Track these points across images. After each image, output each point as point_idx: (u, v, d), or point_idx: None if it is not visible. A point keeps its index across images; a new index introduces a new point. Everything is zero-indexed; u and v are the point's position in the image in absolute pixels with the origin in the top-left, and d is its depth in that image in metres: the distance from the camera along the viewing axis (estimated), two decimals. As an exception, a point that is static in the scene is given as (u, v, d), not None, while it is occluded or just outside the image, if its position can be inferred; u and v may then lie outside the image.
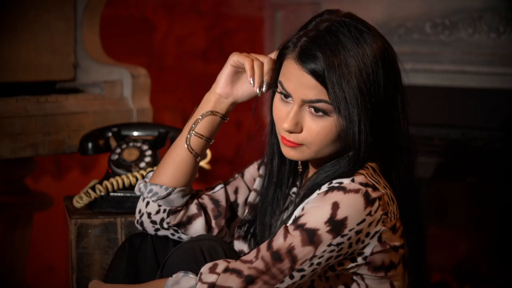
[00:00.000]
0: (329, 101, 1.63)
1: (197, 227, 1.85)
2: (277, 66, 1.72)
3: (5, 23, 2.43)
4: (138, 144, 2.30)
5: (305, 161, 1.82)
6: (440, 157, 2.91)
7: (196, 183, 1.88)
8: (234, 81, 1.80)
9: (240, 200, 1.92)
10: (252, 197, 1.92)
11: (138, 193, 1.86)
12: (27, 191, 2.72)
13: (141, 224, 1.85)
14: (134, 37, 3.60)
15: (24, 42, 2.46)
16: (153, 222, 1.83)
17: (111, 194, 2.21)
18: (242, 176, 1.94)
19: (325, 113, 1.64)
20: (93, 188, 2.22)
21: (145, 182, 1.84)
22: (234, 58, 1.77)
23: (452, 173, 2.91)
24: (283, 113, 1.69)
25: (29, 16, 2.46)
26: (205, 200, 1.89)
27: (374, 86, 1.64)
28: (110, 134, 2.34)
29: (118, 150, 2.29)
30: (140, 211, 1.85)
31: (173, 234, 1.85)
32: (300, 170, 1.85)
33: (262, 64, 1.75)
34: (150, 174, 1.87)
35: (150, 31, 3.63)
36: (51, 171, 3.43)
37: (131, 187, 2.21)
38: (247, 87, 1.80)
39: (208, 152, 2.29)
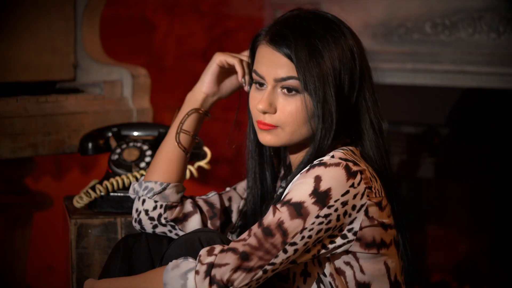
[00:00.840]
0: (298, 76, 1.70)
1: (194, 223, 1.90)
2: (251, 57, 1.81)
3: (5, 23, 2.43)
4: (138, 144, 2.30)
5: (285, 160, 1.89)
6: (440, 157, 2.91)
7: (197, 183, 1.90)
8: (220, 80, 1.90)
9: (234, 207, 1.97)
10: (243, 204, 1.97)
11: (132, 195, 1.91)
12: (27, 191, 2.72)
13: (139, 222, 1.88)
14: (134, 37, 3.59)
15: (24, 42, 2.46)
16: (151, 219, 1.87)
17: (111, 194, 2.21)
18: (235, 189, 2.01)
19: (297, 91, 1.72)
20: (93, 188, 2.22)
21: (139, 182, 1.89)
22: (221, 58, 1.87)
23: (452, 173, 2.91)
24: (258, 99, 1.76)
25: (29, 16, 2.46)
26: (200, 202, 1.94)
27: (340, 66, 1.71)
28: (110, 134, 2.34)
29: (118, 150, 2.29)
30: (137, 210, 1.89)
31: (170, 231, 1.88)
32: (281, 174, 1.91)
33: (248, 62, 1.85)
34: (143, 178, 1.92)
35: (150, 31, 3.63)
36: (51, 171, 3.43)
37: (131, 187, 2.21)
38: (230, 84, 1.92)
39: (208, 152, 2.29)
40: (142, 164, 2.26)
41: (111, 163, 2.27)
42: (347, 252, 1.70)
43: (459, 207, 3.02)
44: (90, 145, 2.32)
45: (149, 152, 2.28)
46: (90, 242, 2.15)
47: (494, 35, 2.74)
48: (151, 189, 1.87)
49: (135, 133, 2.36)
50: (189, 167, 2.29)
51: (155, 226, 1.88)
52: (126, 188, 2.21)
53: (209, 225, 1.92)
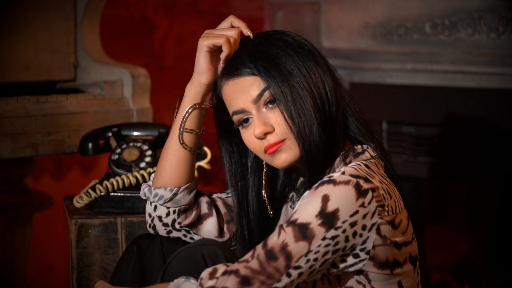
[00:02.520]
0: (268, 86, 1.66)
1: (208, 227, 1.84)
2: (220, 109, 1.75)
3: (5, 23, 2.43)
4: (138, 144, 2.30)
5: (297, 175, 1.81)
6: (440, 157, 2.91)
7: (198, 183, 1.88)
8: (214, 63, 1.78)
9: None
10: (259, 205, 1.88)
11: (143, 197, 1.85)
12: (27, 191, 2.72)
13: (154, 227, 1.84)
14: (134, 37, 3.60)
15: (24, 42, 2.46)
16: (165, 225, 1.83)
17: (111, 194, 2.20)
18: None
19: (277, 98, 1.66)
20: (93, 188, 2.22)
21: (149, 186, 1.83)
22: (207, 44, 1.74)
23: (452, 173, 2.91)
24: (251, 134, 1.70)
25: (29, 16, 2.46)
26: (219, 203, 1.88)
27: (294, 61, 1.67)
28: (110, 134, 2.34)
29: (118, 150, 2.29)
30: (150, 215, 1.84)
31: (185, 235, 1.84)
32: (265, 196, 1.82)
33: (236, 39, 1.75)
34: (153, 175, 1.85)
35: (150, 31, 3.63)
36: (51, 171, 3.43)
37: (131, 187, 2.21)
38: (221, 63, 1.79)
39: (208, 152, 2.29)
40: (142, 164, 2.26)
41: (111, 163, 2.27)
42: (358, 272, 1.63)
43: (459, 207, 3.03)
44: (90, 145, 2.32)
45: (149, 152, 2.28)
46: (90, 242, 2.15)
47: (494, 35, 2.74)
48: (161, 196, 1.80)
49: (135, 133, 2.36)
50: (189, 167, 2.29)
51: (169, 232, 1.83)
52: (126, 188, 2.21)
53: (225, 229, 1.86)
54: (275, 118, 1.67)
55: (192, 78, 1.80)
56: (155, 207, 1.82)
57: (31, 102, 2.34)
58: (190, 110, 1.78)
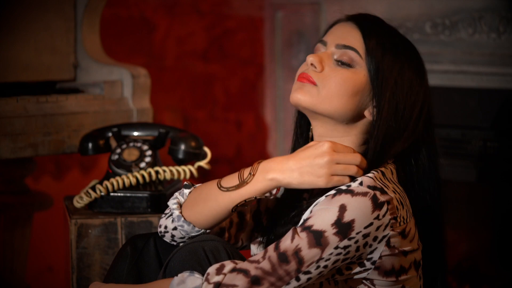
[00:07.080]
0: (360, 53, 1.69)
1: None
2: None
3: (5, 23, 2.43)
4: (138, 144, 2.30)
5: None
6: (440, 157, 2.91)
7: (197, 183, 1.87)
8: None
9: (262, 208, 1.89)
10: (272, 203, 1.89)
11: (167, 210, 1.81)
12: (27, 191, 2.72)
13: (162, 237, 1.82)
14: (134, 37, 3.60)
15: (24, 42, 2.46)
16: (174, 241, 1.81)
17: (111, 194, 2.21)
18: None
19: (349, 66, 1.68)
20: (93, 188, 2.23)
21: (180, 210, 1.77)
22: (333, 184, 1.66)
23: (452, 173, 2.91)
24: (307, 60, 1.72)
25: (29, 16, 2.46)
26: (233, 216, 1.86)
27: (406, 75, 1.69)
28: (110, 134, 2.34)
29: (118, 150, 2.29)
30: (166, 227, 1.80)
31: None
32: None
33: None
34: (186, 191, 1.80)
35: (150, 31, 3.63)
36: (51, 171, 3.43)
37: (131, 187, 2.22)
38: None
39: (208, 152, 2.29)
40: (142, 164, 2.26)
41: (111, 163, 2.27)
42: (364, 278, 1.65)
43: (459, 207, 3.02)
44: (90, 145, 2.32)
45: (149, 152, 2.28)
46: (90, 242, 2.15)
47: (494, 35, 2.74)
48: (186, 230, 1.76)
49: (135, 133, 2.36)
50: (189, 167, 2.29)
51: (172, 242, 1.82)
52: (126, 188, 2.21)
53: (232, 238, 1.86)
54: (331, 69, 1.69)
55: (277, 175, 1.67)
56: (175, 227, 1.79)
57: (31, 102, 2.34)
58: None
